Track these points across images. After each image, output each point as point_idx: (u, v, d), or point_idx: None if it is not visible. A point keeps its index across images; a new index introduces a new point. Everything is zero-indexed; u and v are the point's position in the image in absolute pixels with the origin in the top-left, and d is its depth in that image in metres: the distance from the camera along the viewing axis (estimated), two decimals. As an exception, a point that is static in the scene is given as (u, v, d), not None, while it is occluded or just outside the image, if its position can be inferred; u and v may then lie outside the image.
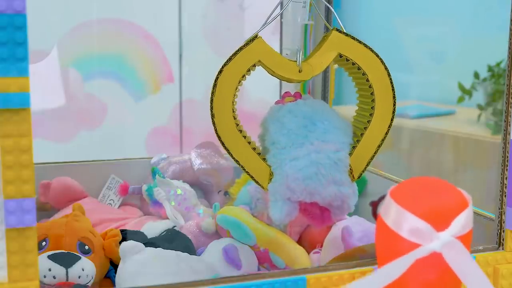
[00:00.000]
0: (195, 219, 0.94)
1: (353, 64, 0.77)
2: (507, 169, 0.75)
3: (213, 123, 0.75)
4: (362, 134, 0.78)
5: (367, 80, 0.77)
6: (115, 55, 1.87)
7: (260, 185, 0.77)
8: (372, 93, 0.78)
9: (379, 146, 0.79)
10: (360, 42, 0.77)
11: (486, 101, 1.79)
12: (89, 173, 1.10)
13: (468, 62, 1.98)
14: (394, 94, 0.78)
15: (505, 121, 0.75)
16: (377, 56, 0.77)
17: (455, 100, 1.90)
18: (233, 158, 0.76)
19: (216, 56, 1.93)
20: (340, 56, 0.77)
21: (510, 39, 0.74)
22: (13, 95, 0.53)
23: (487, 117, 1.78)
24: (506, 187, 0.76)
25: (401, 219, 0.55)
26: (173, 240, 0.85)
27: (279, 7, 0.81)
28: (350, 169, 0.76)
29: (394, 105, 0.78)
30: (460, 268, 0.54)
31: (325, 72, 1.12)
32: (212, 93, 0.75)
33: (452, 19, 2.05)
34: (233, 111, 0.75)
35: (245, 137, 0.76)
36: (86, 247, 0.80)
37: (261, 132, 0.80)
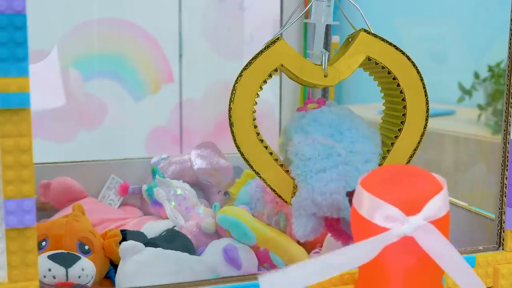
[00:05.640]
0: (195, 219, 0.94)
1: (383, 68, 0.72)
2: (507, 169, 0.75)
3: (232, 132, 0.70)
4: (392, 144, 0.74)
5: (398, 85, 0.73)
6: (115, 55, 1.87)
7: (283, 199, 0.72)
8: (403, 99, 0.73)
9: (411, 156, 0.74)
10: (390, 43, 0.72)
11: (486, 101, 1.79)
12: (89, 173, 1.10)
13: (468, 62, 1.98)
14: (427, 100, 0.73)
15: (505, 121, 0.75)
16: (409, 59, 0.73)
17: (455, 100, 1.90)
18: (254, 170, 0.71)
19: (216, 56, 1.93)
20: (369, 59, 0.72)
21: (510, 39, 0.74)
22: (13, 95, 0.53)
23: (487, 117, 1.78)
24: (506, 187, 0.76)
25: (373, 207, 0.54)
26: (173, 240, 0.85)
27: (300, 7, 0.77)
28: None
29: (427, 112, 0.73)
30: (434, 251, 0.54)
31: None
32: (231, 100, 0.69)
33: (452, 20, 2.05)
34: (254, 119, 0.71)
35: (266, 147, 0.71)
36: (86, 247, 0.80)
37: (283, 141, 0.75)
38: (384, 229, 0.54)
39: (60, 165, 1.10)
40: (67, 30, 1.80)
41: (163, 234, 0.88)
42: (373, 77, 0.78)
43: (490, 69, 1.78)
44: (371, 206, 0.55)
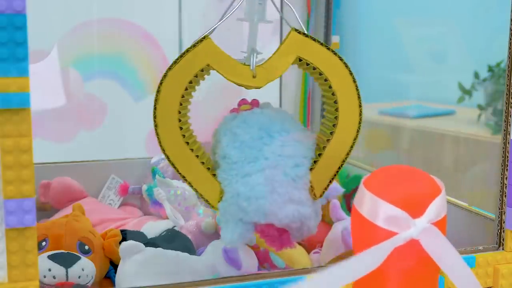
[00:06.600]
0: (195, 219, 0.94)
1: (314, 69, 0.70)
2: (507, 169, 0.75)
3: (156, 134, 0.67)
4: (324, 147, 0.71)
5: (330, 87, 0.70)
6: (115, 55, 1.87)
7: (209, 204, 0.70)
8: (335, 102, 0.70)
9: (343, 161, 0.71)
10: (322, 44, 0.69)
11: (486, 101, 1.79)
12: (89, 173, 1.10)
13: (468, 62, 1.98)
14: (360, 103, 0.70)
15: (505, 121, 0.75)
16: (341, 59, 0.69)
17: (455, 100, 1.90)
18: (179, 173, 0.69)
19: (216, 56, 1.93)
20: (300, 59, 0.69)
21: (510, 39, 0.74)
22: (13, 95, 0.53)
23: (487, 117, 1.78)
24: (506, 187, 0.76)
25: (376, 208, 0.54)
26: (173, 240, 0.85)
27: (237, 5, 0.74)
28: (311, 186, 0.68)
29: (360, 115, 0.71)
30: (437, 254, 0.54)
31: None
32: (156, 100, 0.67)
33: (452, 19, 2.05)
34: (180, 121, 0.68)
35: (192, 149, 0.69)
36: (86, 247, 0.80)
37: (213, 144, 0.73)
38: (386, 231, 0.54)
39: (60, 165, 1.10)
40: (67, 30, 1.80)
41: (163, 234, 0.88)
42: (313, 78, 0.74)
43: (490, 69, 1.78)
44: (373, 207, 0.54)
